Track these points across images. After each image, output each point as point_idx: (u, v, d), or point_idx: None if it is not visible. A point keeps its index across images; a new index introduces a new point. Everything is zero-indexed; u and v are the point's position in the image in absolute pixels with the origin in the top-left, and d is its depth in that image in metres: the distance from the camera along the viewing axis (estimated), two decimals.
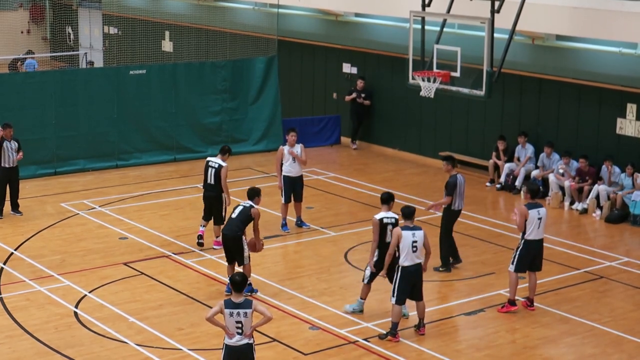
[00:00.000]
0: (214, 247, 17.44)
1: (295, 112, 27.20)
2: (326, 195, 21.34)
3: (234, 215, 15.13)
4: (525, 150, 22.01)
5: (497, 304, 15.11)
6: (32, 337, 13.70)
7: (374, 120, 25.91)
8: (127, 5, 32.90)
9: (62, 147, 22.66)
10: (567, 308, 15.12)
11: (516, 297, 14.94)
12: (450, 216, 16.60)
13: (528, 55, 22.18)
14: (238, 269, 14.98)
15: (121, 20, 32.67)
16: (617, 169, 20.30)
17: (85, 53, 35.36)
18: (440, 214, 17.00)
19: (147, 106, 23.85)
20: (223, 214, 17.18)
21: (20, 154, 19.35)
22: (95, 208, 20.04)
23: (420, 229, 13.79)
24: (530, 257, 14.76)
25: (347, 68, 26.60)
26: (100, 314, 14.54)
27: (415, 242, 13.61)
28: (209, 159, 17.58)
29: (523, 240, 14.68)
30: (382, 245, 14.17)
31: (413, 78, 19.78)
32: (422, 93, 19.59)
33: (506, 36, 19.05)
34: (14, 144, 19.25)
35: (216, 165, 17.22)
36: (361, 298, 14.69)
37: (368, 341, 13.75)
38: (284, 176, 18.57)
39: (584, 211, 20.39)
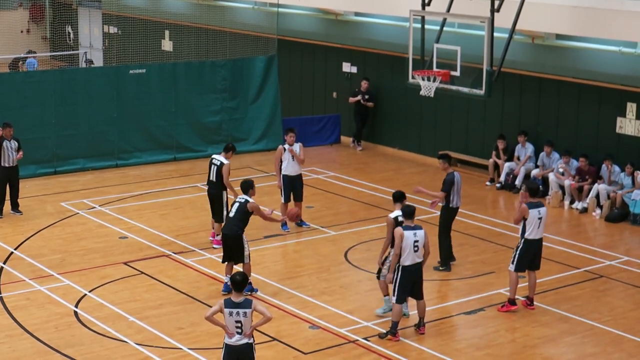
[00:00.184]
0: (214, 246, 17.44)
1: (295, 111, 27.20)
2: (326, 195, 21.34)
3: (232, 215, 15.12)
4: (525, 150, 22.01)
5: (497, 303, 15.11)
6: (32, 337, 13.70)
7: (374, 119, 25.89)
8: (126, 4, 32.89)
9: (62, 146, 22.66)
10: (567, 307, 15.12)
11: (516, 296, 14.95)
12: (448, 214, 16.62)
13: (528, 55, 22.18)
14: (237, 267, 14.96)
15: (121, 19, 32.67)
16: (617, 168, 20.30)
17: (85, 52, 35.36)
18: (438, 212, 17.01)
19: (147, 105, 23.84)
20: (224, 212, 17.17)
21: (20, 153, 19.34)
22: (95, 207, 20.04)
23: (421, 228, 13.78)
24: (530, 256, 14.75)
25: (347, 67, 26.60)
26: (100, 313, 14.54)
27: (417, 241, 13.61)
28: (213, 156, 17.61)
29: (523, 240, 14.68)
30: None
31: (413, 77, 19.78)
32: (422, 92, 19.60)
33: (506, 35, 19.05)
34: (14, 144, 19.24)
35: (218, 163, 17.26)
36: (385, 295, 14.61)
37: (368, 340, 13.74)
38: (283, 175, 18.58)
39: (584, 210, 20.39)
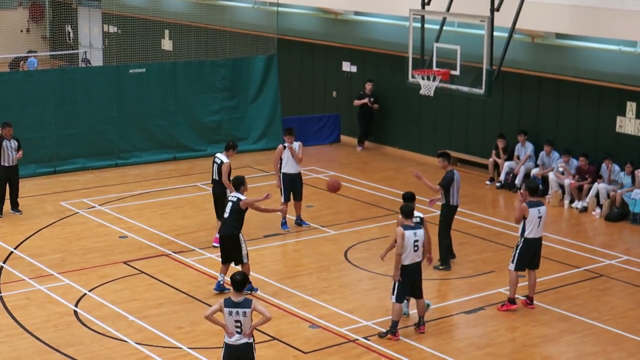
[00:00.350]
0: (214, 244, 17.43)
1: (295, 110, 27.19)
2: (326, 194, 21.29)
3: (226, 215, 15.07)
4: (525, 149, 22.01)
5: (497, 303, 15.10)
6: (32, 336, 13.69)
7: (374, 119, 25.87)
8: (126, 3, 32.89)
9: (61, 145, 22.65)
10: (567, 306, 15.11)
11: (516, 296, 14.95)
12: (448, 212, 16.63)
13: (528, 54, 22.18)
14: (237, 267, 14.95)
15: (121, 18, 32.66)
16: (616, 167, 20.30)
17: (85, 52, 35.35)
18: (438, 212, 17.02)
19: (147, 105, 23.83)
20: None
21: (20, 152, 19.34)
22: (95, 207, 20.04)
23: (421, 227, 13.78)
24: (530, 255, 14.75)
25: (346, 67, 26.60)
26: (100, 312, 14.54)
27: (417, 241, 13.61)
28: (216, 154, 17.61)
29: (523, 239, 14.68)
30: None
31: (413, 76, 19.77)
32: (421, 91, 19.59)
33: (506, 34, 19.04)
34: (14, 143, 19.24)
35: (219, 162, 17.27)
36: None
37: (368, 340, 13.74)
38: (283, 173, 18.58)
39: (584, 209, 20.39)
